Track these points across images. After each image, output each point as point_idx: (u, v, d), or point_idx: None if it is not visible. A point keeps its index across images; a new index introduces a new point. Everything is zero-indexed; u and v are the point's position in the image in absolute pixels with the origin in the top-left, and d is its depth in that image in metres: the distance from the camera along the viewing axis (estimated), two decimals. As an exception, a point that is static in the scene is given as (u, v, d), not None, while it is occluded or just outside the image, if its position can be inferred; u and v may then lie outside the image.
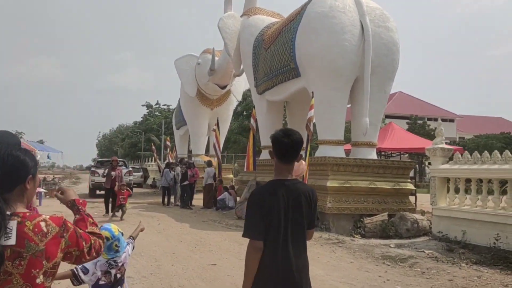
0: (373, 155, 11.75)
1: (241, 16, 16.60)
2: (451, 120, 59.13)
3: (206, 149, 26.28)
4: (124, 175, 23.48)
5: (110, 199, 11.84)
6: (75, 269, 2.93)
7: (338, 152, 11.35)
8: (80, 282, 2.95)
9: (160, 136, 44.31)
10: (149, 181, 34.68)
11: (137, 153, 49.82)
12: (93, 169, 21.61)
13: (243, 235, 2.42)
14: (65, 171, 77.88)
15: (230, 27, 16.05)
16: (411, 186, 11.13)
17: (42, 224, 1.71)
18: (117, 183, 10.82)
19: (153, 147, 26.88)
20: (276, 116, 15.13)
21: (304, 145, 10.48)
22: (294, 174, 2.61)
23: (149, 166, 37.37)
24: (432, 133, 43.02)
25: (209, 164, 16.80)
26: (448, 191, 9.33)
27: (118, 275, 3.04)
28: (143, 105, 56.98)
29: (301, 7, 12.56)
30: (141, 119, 58.36)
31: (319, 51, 11.15)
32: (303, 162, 9.05)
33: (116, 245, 3.00)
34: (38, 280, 1.68)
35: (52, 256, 1.72)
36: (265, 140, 15.17)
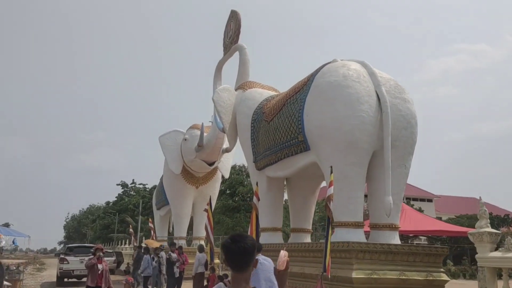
0: (397, 240, 10.31)
1: (235, 90, 15.76)
2: (429, 200, 59.00)
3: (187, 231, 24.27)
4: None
5: None
6: None
7: (358, 236, 9.88)
8: None
9: (136, 217, 41.77)
10: (123, 267, 31.85)
11: (110, 235, 46.62)
12: (62, 256, 19.64)
13: None
14: (28, 254, 72.25)
15: (225, 101, 15.08)
16: (445, 277, 9.60)
17: None
18: (103, 280, 8.73)
19: (131, 230, 24.74)
20: (277, 194, 13.70)
21: (326, 228, 9.00)
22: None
23: (123, 250, 34.58)
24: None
25: (201, 249, 14.90)
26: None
27: None
28: (118, 184, 54.73)
29: (307, 78, 11.72)
30: (115, 199, 55.65)
31: (334, 122, 10.10)
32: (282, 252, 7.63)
33: None
34: None
35: None
36: (265, 222, 13.57)
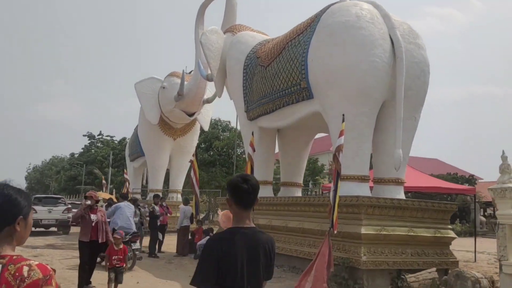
0: (402, 195, 9.78)
1: (224, 33, 14.50)
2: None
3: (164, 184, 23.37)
4: (63, 213, 20.42)
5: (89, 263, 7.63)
6: None
7: (364, 190, 9.28)
8: None
9: (105, 169, 40.37)
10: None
11: (77, 187, 45.09)
12: None
13: (191, 283, 2.26)
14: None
15: (214, 44, 13.82)
16: (452, 234, 9.22)
17: (25, 268, 1.61)
18: (99, 234, 7.36)
19: (104, 181, 23.64)
20: (269, 146, 12.87)
21: (333, 181, 8.31)
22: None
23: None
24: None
25: (186, 202, 14.08)
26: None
27: None
28: (84, 135, 52.55)
29: (312, 19, 10.67)
30: (82, 150, 53.66)
31: (344, 68, 9.22)
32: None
33: None
34: None
35: None
36: (255, 175, 12.79)
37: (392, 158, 9.42)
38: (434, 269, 8.38)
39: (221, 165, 30.58)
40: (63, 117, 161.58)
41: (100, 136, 53.30)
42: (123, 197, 16.15)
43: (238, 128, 30.21)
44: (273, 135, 12.93)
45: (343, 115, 8.51)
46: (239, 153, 31.51)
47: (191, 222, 13.49)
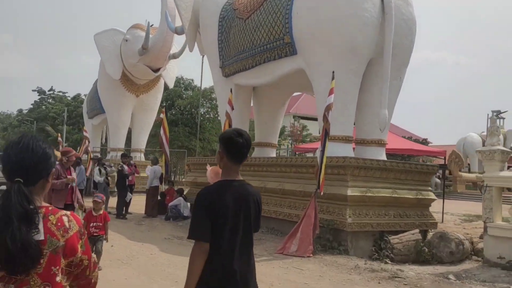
0: (384, 157, 9.65)
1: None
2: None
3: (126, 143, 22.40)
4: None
5: None
6: None
7: (348, 151, 9.05)
8: None
9: (58, 126, 38.37)
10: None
11: (27, 145, 42.73)
12: None
13: (189, 237, 2.27)
14: None
15: (186, -6, 12.85)
16: (433, 196, 9.23)
17: (65, 218, 1.61)
18: (73, 197, 6.29)
19: (60, 139, 22.35)
20: (244, 105, 12.34)
21: (321, 141, 7.99)
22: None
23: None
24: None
25: (155, 161, 13.42)
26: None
27: None
28: (34, 90, 49.41)
29: (297, -31, 9.99)
30: (31, 106, 50.67)
31: (333, 22, 8.74)
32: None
33: None
34: (57, 279, 1.56)
35: (70, 253, 1.60)
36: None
37: (376, 119, 9.21)
38: (417, 230, 8.38)
39: (184, 125, 29.71)
40: (9, 71, 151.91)
41: (51, 92, 50.41)
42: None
43: (203, 86, 29.34)
44: (249, 93, 12.39)
45: (333, 72, 8.11)
46: (202, 113, 30.69)
47: (161, 183, 12.92)
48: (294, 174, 9.49)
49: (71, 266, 1.64)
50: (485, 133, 39.02)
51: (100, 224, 5.98)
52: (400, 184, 8.80)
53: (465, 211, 15.83)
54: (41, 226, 1.55)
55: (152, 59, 18.27)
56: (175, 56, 18.81)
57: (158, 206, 12.61)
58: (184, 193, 12.92)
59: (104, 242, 6.14)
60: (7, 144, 1.70)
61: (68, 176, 6.39)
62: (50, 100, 49.45)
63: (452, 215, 14.91)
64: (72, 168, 6.76)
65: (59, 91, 49.88)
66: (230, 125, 10.07)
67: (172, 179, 27.10)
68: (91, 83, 23.82)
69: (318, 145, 21.38)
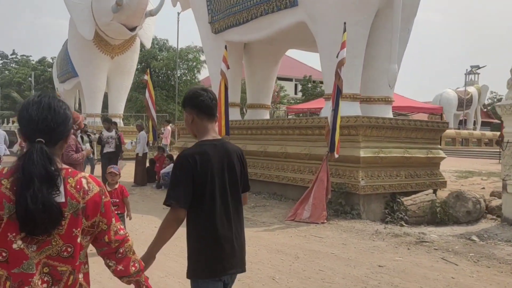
0: (391, 115, 9.21)
1: None
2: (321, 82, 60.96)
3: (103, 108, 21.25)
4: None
5: None
6: None
7: (355, 110, 8.54)
8: None
9: (25, 92, 36.38)
10: (15, 148, 28.11)
11: (-9, 113, 40.59)
12: None
13: (165, 202, 2.10)
14: None
15: None
16: (442, 154, 8.89)
17: (83, 181, 1.57)
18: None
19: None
20: (236, 64, 11.54)
21: (333, 99, 7.41)
22: None
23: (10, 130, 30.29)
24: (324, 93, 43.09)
25: (140, 127, 12.59)
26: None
27: None
28: (-5, 55, 46.63)
29: None
30: (-6, 71, 47.87)
31: (339, -31, 7.99)
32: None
33: None
34: (78, 240, 1.54)
35: (91, 214, 1.57)
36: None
37: (382, 75, 8.70)
38: (431, 190, 8.06)
39: (160, 88, 28.58)
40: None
41: (14, 56, 47.71)
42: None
43: (178, 47, 28.02)
44: (240, 51, 11.61)
45: (344, 23, 7.42)
46: (179, 75, 29.52)
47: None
48: (298, 136, 8.94)
49: (94, 226, 1.62)
50: (460, 89, 39.49)
51: (117, 200, 5.16)
52: (411, 143, 8.39)
53: (453, 167, 15.76)
54: (62, 188, 1.52)
55: (127, 16, 17.02)
56: (152, 14, 17.59)
57: (147, 174, 11.92)
58: (174, 158, 12.25)
59: (127, 220, 5.44)
60: (24, 103, 1.60)
61: (86, 148, 5.80)
62: (14, 65, 46.85)
63: (444, 171, 14.81)
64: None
65: (22, 55, 47.29)
66: (226, 85, 9.30)
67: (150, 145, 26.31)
68: (56, 45, 22.34)
69: (309, 105, 20.94)
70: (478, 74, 42.29)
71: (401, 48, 8.89)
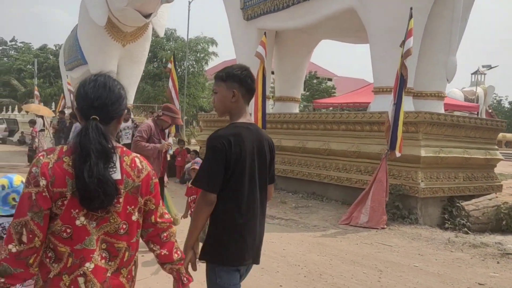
0: (443, 111, 8.55)
1: None
2: (330, 79, 60.64)
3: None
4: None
5: None
6: None
7: (409, 105, 7.85)
8: None
9: (24, 80, 35.41)
10: (16, 137, 27.36)
11: (-9, 100, 39.54)
12: None
13: (195, 184, 2.06)
14: None
15: None
16: (500, 155, 8.25)
17: (137, 160, 1.62)
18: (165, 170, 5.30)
19: (37, 92, 20.25)
20: (267, 54, 10.79)
21: (394, 92, 6.73)
22: None
23: (10, 118, 29.45)
24: (330, 90, 42.39)
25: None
26: None
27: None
28: (-7, 41, 45.51)
29: None
30: (-8, 58, 46.76)
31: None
32: None
33: (13, 199, 2.30)
34: (133, 217, 1.59)
35: (145, 193, 1.62)
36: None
37: (436, 68, 8.06)
38: (494, 194, 7.43)
39: (168, 78, 27.67)
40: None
41: (13, 43, 46.61)
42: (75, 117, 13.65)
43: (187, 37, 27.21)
44: (272, 40, 10.86)
45: (411, 9, 6.72)
46: (186, 66, 28.69)
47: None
48: (344, 132, 8.24)
49: (146, 205, 1.65)
50: (466, 89, 38.95)
51: (196, 196, 4.41)
52: (470, 142, 7.74)
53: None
54: (118, 166, 1.54)
55: (143, 2, 16.17)
56: (168, 0, 16.78)
57: (168, 169, 11.19)
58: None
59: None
60: (82, 81, 1.63)
61: (163, 141, 4.83)
62: (13, 52, 45.75)
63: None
64: (166, 132, 5.20)
65: (22, 42, 46.20)
66: (264, 73, 8.56)
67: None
68: (57, 33, 21.46)
69: (338, 100, 20.18)
70: (485, 74, 41.83)
71: (459, 39, 8.23)
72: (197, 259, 2.07)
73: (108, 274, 1.55)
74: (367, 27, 8.16)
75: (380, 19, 7.74)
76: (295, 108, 11.74)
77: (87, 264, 1.50)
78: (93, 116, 1.53)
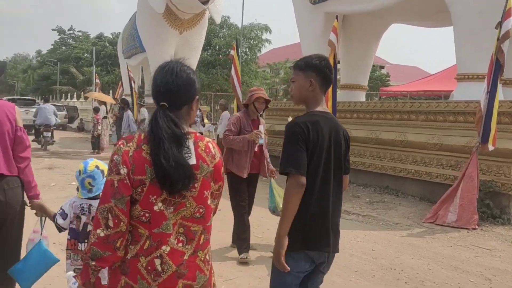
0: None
1: None
2: (382, 67, 58.71)
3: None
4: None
5: None
6: (56, 214, 2.55)
7: (499, 94, 7.17)
8: (61, 229, 2.53)
9: (83, 67, 36.55)
10: (76, 123, 28.30)
11: (51, 87, 41.17)
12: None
13: (283, 170, 2.00)
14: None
15: None
16: None
17: (210, 145, 1.66)
18: (266, 166, 4.51)
19: (97, 80, 20.75)
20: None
21: (488, 79, 6.13)
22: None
23: (69, 105, 30.50)
24: (384, 78, 40.92)
25: (225, 107, 11.69)
26: None
27: (88, 227, 2.41)
28: (54, 30, 47.20)
29: None
30: (52, 46, 48.68)
31: None
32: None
33: (89, 183, 2.48)
34: (208, 202, 1.64)
35: (218, 178, 1.68)
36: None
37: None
38: None
39: (221, 67, 27.66)
40: (20, 11, 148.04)
41: (71, 32, 48.19)
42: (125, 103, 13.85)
43: (240, 25, 26.94)
44: (340, 25, 10.33)
45: (513, -13, 6.04)
46: (240, 53, 28.53)
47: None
48: (424, 122, 7.69)
49: (219, 190, 1.71)
50: None
51: None
52: None
53: None
54: (192, 151, 1.58)
55: (201, -12, 16.03)
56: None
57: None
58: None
59: None
60: (156, 69, 1.67)
61: (255, 131, 4.33)
62: (70, 41, 47.33)
63: None
64: (261, 119, 4.60)
65: (80, 31, 47.70)
66: (335, 59, 8.12)
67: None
68: (110, 22, 21.74)
69: (405, 88, 19.38)
70: None
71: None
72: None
73: (185, 257, 1.59)
74: (450, 9, 7.52)
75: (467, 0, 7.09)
76: (362, 97, 11.20)
77: (164, 247, 1.55)
78: (162, 103, 1.57)
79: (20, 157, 2.66)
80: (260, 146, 4.51)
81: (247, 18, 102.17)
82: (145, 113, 14.37)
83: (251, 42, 28.45)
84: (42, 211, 2.63)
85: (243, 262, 4.33)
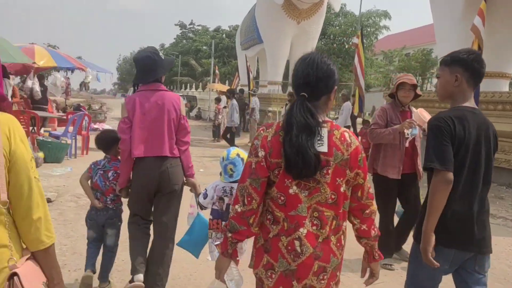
0: None
1: None
2: None
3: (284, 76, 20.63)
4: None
5: None
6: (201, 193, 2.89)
7: None
8: (202, 207, 2.91)
9: (201, 59, 38.50)
10: (194, 112, 29.87)
11: (173, 78, 44.15)
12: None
13: (428, 166, 1.95)
14: (81, 94, 72.10)
15: None
16: None
17: (346, 134, 1.68)
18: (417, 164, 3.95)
19: (217, 71, 21.58)
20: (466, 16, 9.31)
21: None
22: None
23: (188, 95, 32.31)
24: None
25: (346, 97, 11.31)
26: None
27: (230, 207, 2.22)
28: (176, 25, 50.53)
29: None
30: (174, 40, 52.12)
31: None
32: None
33: (230, 169, 2.78)
34: (342, 189, 1.67)
35: (354, 166, 1.67)
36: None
37: None
38: None
39: (336, 56, 27.06)
40: (144, 7, 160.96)
41: (191, 26, 51.07)
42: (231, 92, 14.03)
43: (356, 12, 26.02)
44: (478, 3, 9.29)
45: None
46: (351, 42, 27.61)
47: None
48: None
49: (355, 178, 1.69)
50: None
51: None
52: None
53: None
54: (325, 139, 1.63)
55: (321, -24, 15.74)
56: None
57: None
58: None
59: None
60: (296, 61, 1.72)
61: (408, 120, 3.81)
62: (190, 34, 50.15)
63: None
64: (414, 110, 3.99)
65: (199, 25, 50.30)
66: (479, 45, 7.28)
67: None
68: (231, 15, 22.29)
69: None
70: None
71: None
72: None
73: (320, 240, 1.66)
74: None
75: None
76: (505, 86, 10.00)
77: (301, 230, 1.64)
78: (301, 94, 1.65)
79: (182, 141, 3.03)
80: (412, 142, 3.95)
81: (365, 4, 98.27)
82: (256, 102, 14.58)
83: (368, 29, 27.32)
84: (194, 188, 3.09)
85: (388, 269, 4.03)
